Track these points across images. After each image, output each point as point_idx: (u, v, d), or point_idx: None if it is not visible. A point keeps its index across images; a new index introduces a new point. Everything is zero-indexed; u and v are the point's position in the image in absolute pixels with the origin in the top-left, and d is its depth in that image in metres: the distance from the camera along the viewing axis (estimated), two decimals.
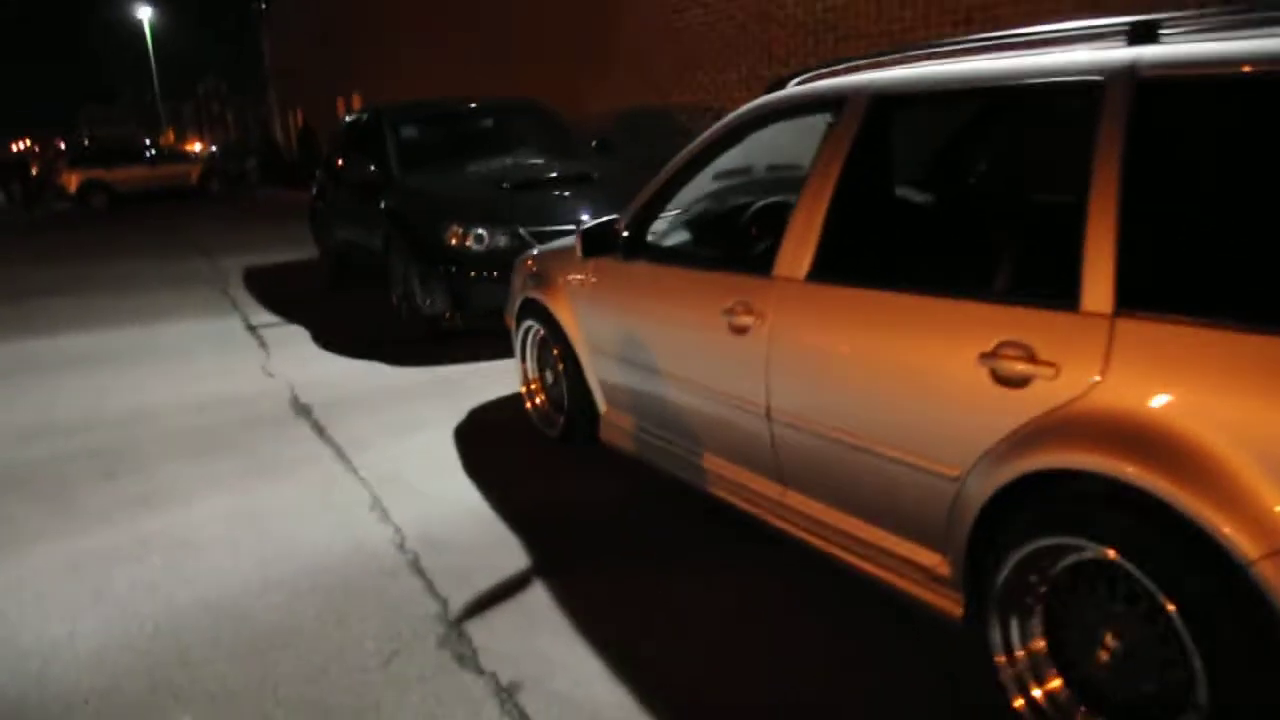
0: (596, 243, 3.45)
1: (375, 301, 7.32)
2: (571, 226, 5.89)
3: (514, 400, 4.94)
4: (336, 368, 5.93)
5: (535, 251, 4.41)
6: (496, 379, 5.32)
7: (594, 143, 7.90)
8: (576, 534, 3.37)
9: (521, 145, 7.54)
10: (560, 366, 3.94)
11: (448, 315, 6.02)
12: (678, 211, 3.63)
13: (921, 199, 3.31)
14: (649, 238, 3.43)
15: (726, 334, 2.83)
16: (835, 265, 2.57)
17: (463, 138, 7.52)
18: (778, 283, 2.68)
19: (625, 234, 3.36)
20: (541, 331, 4.12)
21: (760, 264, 2.80)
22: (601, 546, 3.28)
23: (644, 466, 3.61)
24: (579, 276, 3.69)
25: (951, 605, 2.29)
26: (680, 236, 3.61)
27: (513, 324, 4.42)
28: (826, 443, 2.53)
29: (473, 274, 5.89)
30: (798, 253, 2.63)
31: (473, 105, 7.84)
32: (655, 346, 3.25)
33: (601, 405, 3.78)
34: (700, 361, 3.01)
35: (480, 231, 5.91)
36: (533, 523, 3.46)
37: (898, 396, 2.30)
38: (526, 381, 4.37)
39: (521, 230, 5.93)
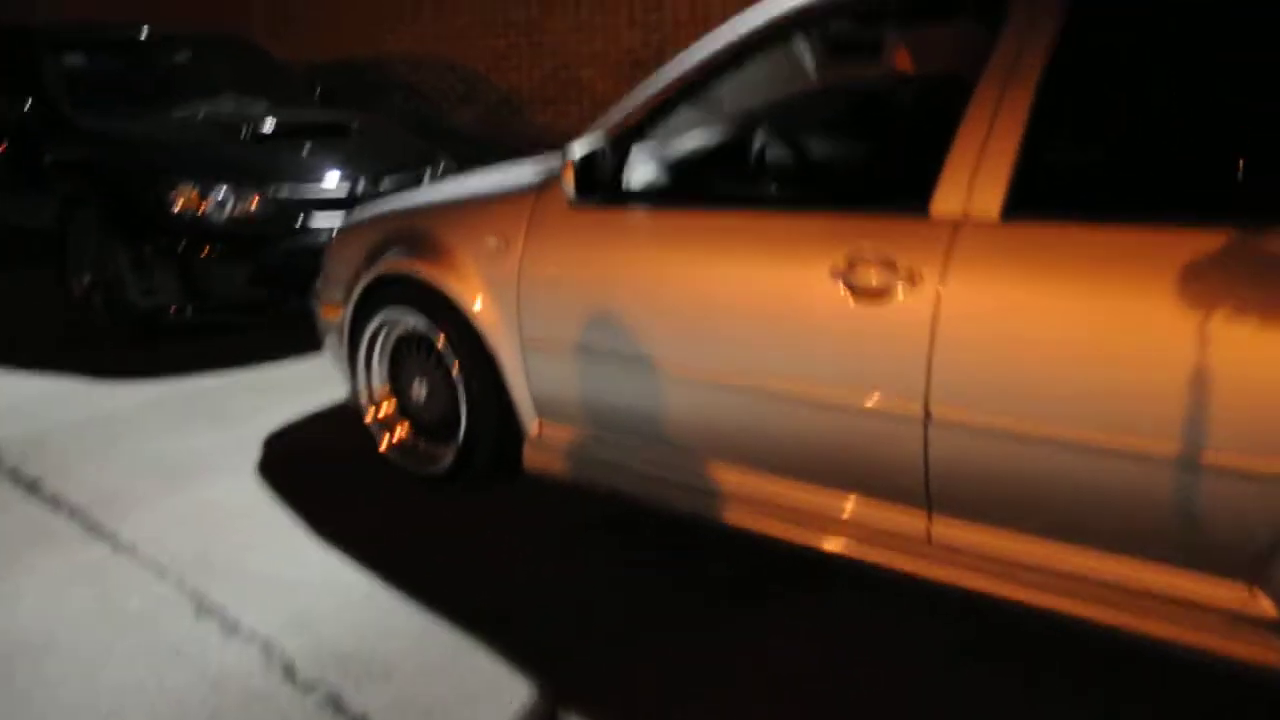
0: (589, 179, 2.39)
1: (36, 290, 5.37)
2: (338, 189, 4.64)
3: (324, 422, 3.66)
4: (17, 388, 4.13)
5: (379, 212, 3.20)
6: (277, 393, 3.93)
7: (316, 90, 6.45)
8: (547, 627, 2.33)
9: (233, 88, 5.92)
10: (456, 374, 2.82)
11: (175, 308, 4.44)
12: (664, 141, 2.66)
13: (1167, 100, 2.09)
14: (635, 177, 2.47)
15: (842, 303, 1.98)
16: (1052, 197, 1.85)
17: (152, 74, 5.72)
18: (942, 226, 1.88)
19: (613, 170, 2.36)
20: (412, 326, 2.95)
21: (892, 200, 1.98)
22: (589, 642, 2.28)
23: (593, 504, 2.65)
24: (516, 238, 2.59)
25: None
26: (684, 173, 2.62)
27: (337, 316, 3.18)
28: (1052, 449, 1.79)
29: (212, 251, 4.39)
30: (979, 183, 1.85)
31: (164, 35, 6.03)
32: (675, 331, 2.29)
33: (531, 424, 2.73)
34: (778, 346, 2.11)
35: (223, 193, 4.40)
36: (477, 615, 2.35)
37: (1205, 378, 1.61)
38: (371, 400, 3.15)
39: (277, 193, 4.52)
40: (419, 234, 2.90)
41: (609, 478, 2.57)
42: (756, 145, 2.59)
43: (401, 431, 3.12)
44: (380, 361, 3.12)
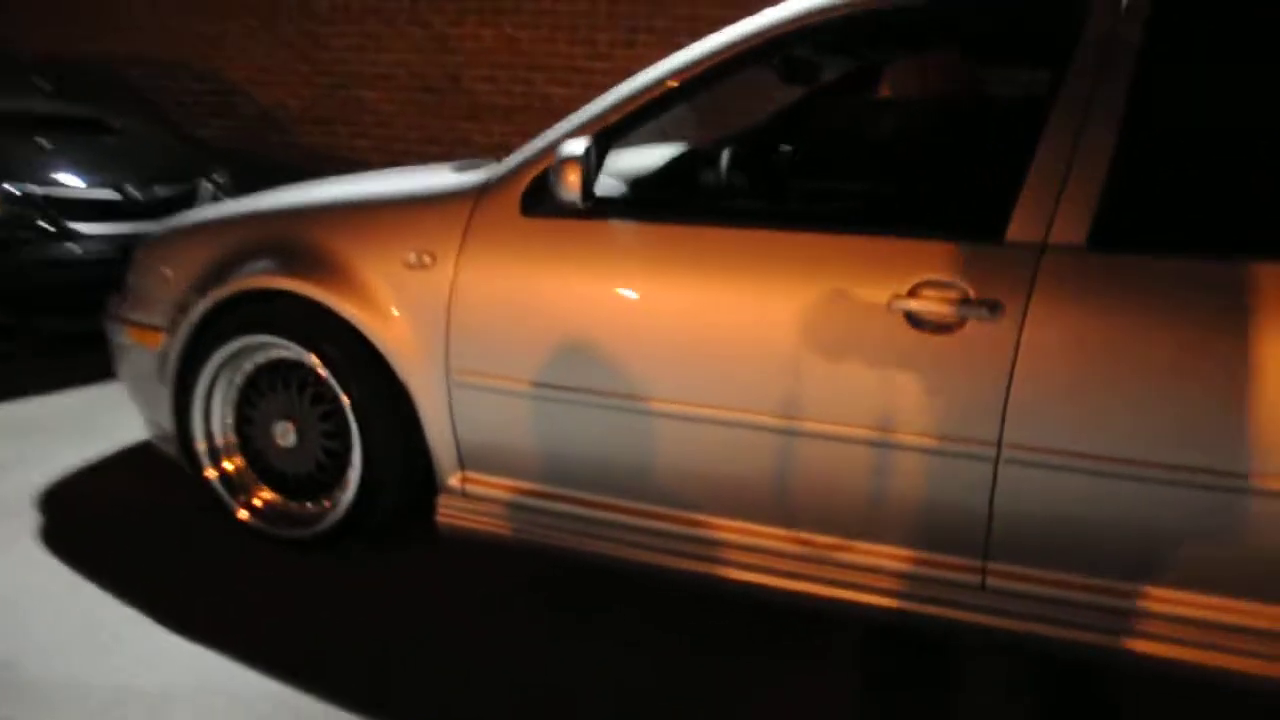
0: (538, 193, 2.04)
1: None
2: (103, 190, 3.86)
3: (122, 470, 2.92)
4: None
5: (220, 216, 2.58)
6: (42, 436, 3.08)
7: (47, 86, 5.42)
8: None
9: None
10: (350, 413, 2.28)
11: None
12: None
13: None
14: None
15: (901, 333, 1.76)
16: (1141, 226, 1.75)
17: None
18: (1024, 252, 1.73)
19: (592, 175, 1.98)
20: (278, 356, 2.38)
21: (955, 226, 1.80)
22: None
23: (513, 563, 2.24)
24: (447, 252, 2.13)
25: None
26: (697, 184, 2.24)
27: (158, 343, 2.53)
28: (1135, 484, 1.67)
29: None
30: (1063, 211, 1.71)
31: None
32: (684, 363, 1.94)
33: (451, 474, 2.25)
34: (822, 381, 1.85)
35: None
36: None
37: None
38: (211, 451, 2.50)
39: (16, 189, 3.65)
40: (297, 244, 2.34)
41: (557, 536, 2.17)
42: (781, 158, 2.34)
43: (260, 490, 2.51)
44: (224, 402, 2.49)
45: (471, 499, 2.25)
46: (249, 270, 2.36)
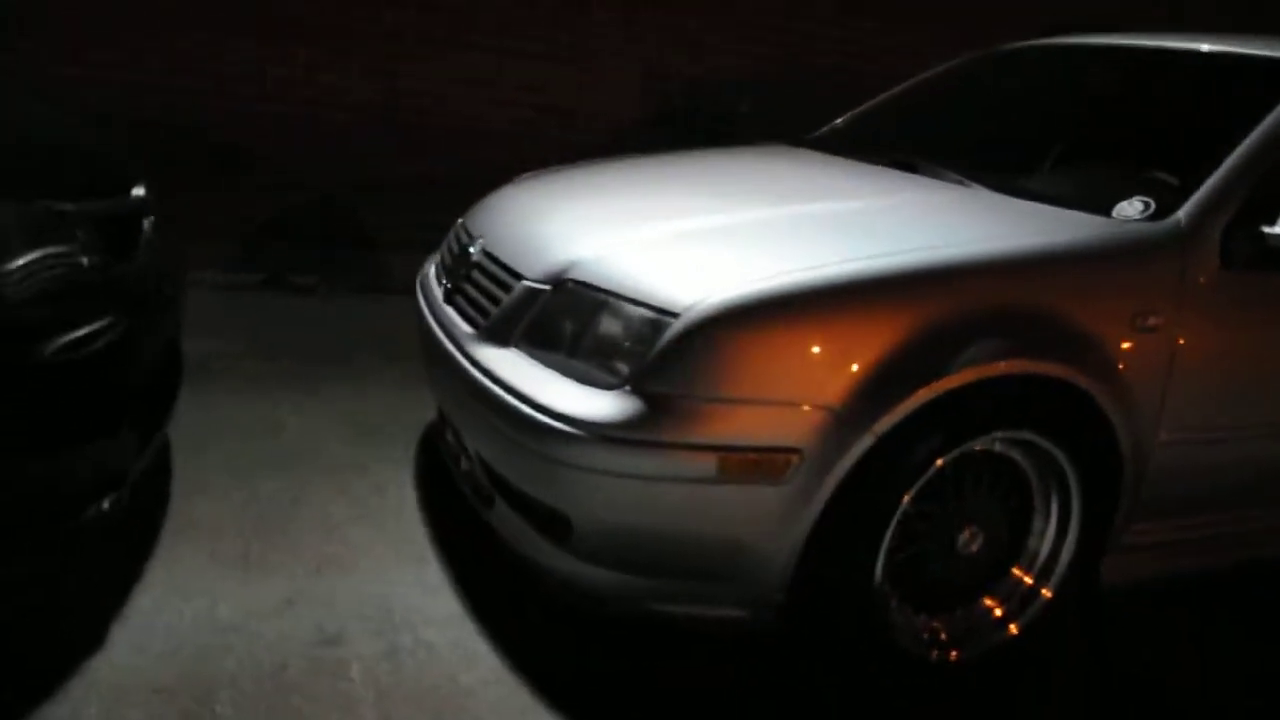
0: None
1: None
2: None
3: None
4: None
5: (863, 272, 1.87)
6: None
7: None
8: None
9: None
10: (1050, 502, 2.05)
11: None
12: None
13: None
14: None
15: None
16: None
17: None
18: None
19: None
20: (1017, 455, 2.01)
21: None
22: None
23: None
24: (1164, 311, 2.07)
25: None
26: None
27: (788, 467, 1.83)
28: None
29: None
30: None
31: None
32: None
33: (1125, 534, 2.21)
34: None
35: None
36: None
37: None
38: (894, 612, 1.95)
39: None
40: (1022, 311, 1.94)
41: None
42: None
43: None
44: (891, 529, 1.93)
45: (1134, 546, 2.28)
46: (977, 351, 1.88)
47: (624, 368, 1.85)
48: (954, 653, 2.10)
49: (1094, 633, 2.36)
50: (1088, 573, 2.23)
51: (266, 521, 2.44)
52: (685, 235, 2.12)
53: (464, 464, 2.30)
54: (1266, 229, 2.11)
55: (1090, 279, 2.06)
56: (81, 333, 1.80)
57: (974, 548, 2.09)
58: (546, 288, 2.06)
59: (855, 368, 1.80)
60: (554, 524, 1.94)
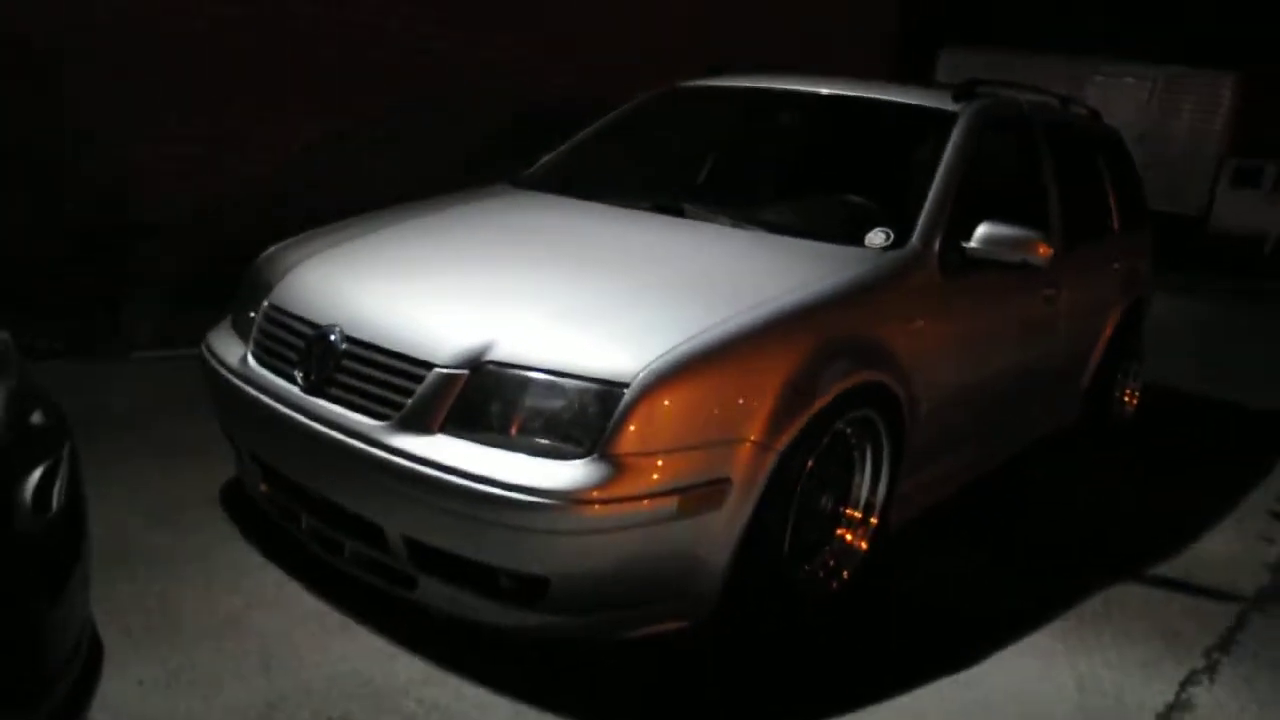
0: None
1: None
2: None
3: None
4: None
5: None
6: None
7: None
8: None
9: None
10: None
11: None
12: None
13: None
14: None
15: None
16: None
17: None
18: None
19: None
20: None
21: None
22: None
23: None
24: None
25: None
26: None
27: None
28: None
29: None
30: None
31: None
32: None
33: None
34: None
35: None
36: None
37: None
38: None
39: None
40: (854, 335, 2.52)
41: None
42: None
43: None
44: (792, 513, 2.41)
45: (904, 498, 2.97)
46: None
47: (582, 436, 2.08)
48: (845, 573, 2.69)
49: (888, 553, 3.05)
50: (885, 515, 2.89)
51: (156, 635, 2.27)
52: (572, 311, 2.35)
53: (305, 523, 2.49)
54: (964, 244, 2.88)
55: (883, 300, 2.72)
56: None
57: (829, 505, 2.66)
58: (463, 372, 2.19)
59: (761, 403, 2.22)
60: (525, 587, 2.13)
